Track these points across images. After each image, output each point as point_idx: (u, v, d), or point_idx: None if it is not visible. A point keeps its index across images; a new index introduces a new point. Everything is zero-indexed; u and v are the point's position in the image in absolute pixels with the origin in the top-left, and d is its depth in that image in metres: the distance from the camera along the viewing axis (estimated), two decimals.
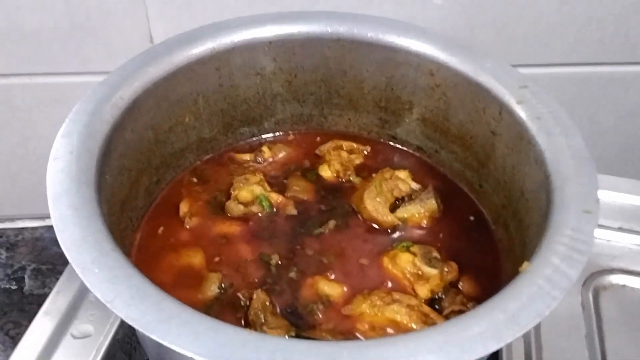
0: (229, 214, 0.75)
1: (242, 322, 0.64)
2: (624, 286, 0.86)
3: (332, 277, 0.69)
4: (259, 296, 0.65)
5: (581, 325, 0.81)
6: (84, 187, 0.56)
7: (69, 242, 0.51)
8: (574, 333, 0.80)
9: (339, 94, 0.84)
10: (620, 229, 0.94)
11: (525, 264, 0.51)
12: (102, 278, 0.48)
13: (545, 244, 0.52)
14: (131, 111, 0.67)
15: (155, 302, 0.46)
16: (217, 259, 0.70)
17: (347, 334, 0.63)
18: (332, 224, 0.74)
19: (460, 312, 0.65)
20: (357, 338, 0.63)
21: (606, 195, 0.99)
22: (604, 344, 0.79)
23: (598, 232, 0.93)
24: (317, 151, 0.85)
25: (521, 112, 0.67)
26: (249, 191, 0.76)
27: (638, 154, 1.35)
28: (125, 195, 0.68)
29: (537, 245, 0.54)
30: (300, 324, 0.64)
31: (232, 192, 0.76)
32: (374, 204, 0.74)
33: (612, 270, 0.88)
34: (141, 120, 0.69)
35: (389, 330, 0.63)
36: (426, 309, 0.65)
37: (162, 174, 0.77)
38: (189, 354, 0.43)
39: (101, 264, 0.49)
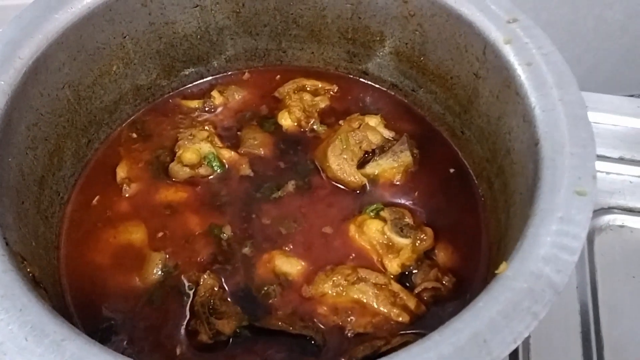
0: (173, 179, 0.66)
1: (188, 312, 0.57)
2: (622, 226, 0.78)
3: (291, 249, 0.61)
4: (206, 282, 0.57)
5: (572, 274, 0.73)
6: None
7: None
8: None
9: (297, 24, 0.71)
10: (621, 160, 0.83)
11: (502, 266, 0.43)
12: None
13: (528, 239, 0.43)
14: (36, 72, 0.55)
15: (55, 344, 0.39)
16: (160, 234, 0.62)
17: (306, 320, 0.56)
18: (291, 185, 0.65)
19: (433, 289, 0.58)
20: (317, 324, 0.56)
21: (606, 119, 0.88)
22: (596, 296, 0.72)
23: (595, 165, 0.84)
24: (276, 93, 0.73)
25: (509, 55, 0.55)
26: (195, 151, 0.66)
27: None
28: (44, 169, 0.59)
29: (518, 236, 0.44)
30: (255, 310, 0.57)
31: (176, 151, 0.66)
32: (339, 162, 0.64)
33: (610, 209, 0.79)
34: (52, 80, 0.58)
35: (353, 314, 0.56)
36: (396, 287, 0.57)
37: (93, 133, 0.67)
38: None
39: None
